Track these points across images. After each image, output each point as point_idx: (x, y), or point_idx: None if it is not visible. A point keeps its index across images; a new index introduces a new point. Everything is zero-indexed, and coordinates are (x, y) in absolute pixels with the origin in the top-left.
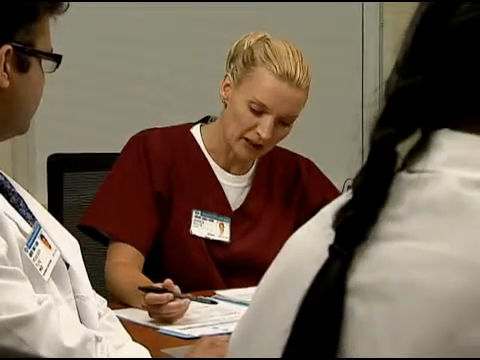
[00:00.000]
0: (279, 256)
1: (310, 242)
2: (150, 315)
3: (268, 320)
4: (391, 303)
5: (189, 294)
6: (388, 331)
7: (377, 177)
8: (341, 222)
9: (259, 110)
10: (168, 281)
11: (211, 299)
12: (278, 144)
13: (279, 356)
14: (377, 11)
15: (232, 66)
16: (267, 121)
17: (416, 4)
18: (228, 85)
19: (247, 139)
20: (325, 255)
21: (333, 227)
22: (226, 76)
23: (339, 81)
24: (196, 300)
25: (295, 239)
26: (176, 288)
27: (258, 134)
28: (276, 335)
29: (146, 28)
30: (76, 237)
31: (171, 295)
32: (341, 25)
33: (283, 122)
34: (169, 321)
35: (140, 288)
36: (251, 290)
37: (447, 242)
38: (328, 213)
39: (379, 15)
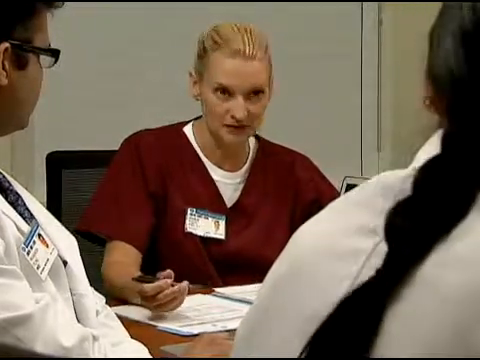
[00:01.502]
0: (286, 250)
1: (323, 236)
2: (150, 308)
3: (276, 314)
4: (402, 301)
5: (185, 281)
6: (399, 329)
7: (461, 186)
8: (401, 234)
9: (225, 93)
10: (166, 272)
11: (204, 288)
12: (278, 141)
13: (287, 349)
14: (376, 10)
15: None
16: (237, 101)
17: (415, 3)
18: (195, 82)
19: (228, 125)
20: (343, 254)
21: (387, 234)
22: (190, 74)
23: (338, 79)
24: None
25: (303, 233)
26: (172, 275)
27: (233, 117)
28: (284, 330)
29: (145, 27)
30: (74, 235)
31: (169, 281)
32: (340, 24)
33: (254, 93)
34: (169, 309)
35: (134, 279)
36: (250, 287)
37: (463, 240)
38: (340, 207)
39: (378, 13)
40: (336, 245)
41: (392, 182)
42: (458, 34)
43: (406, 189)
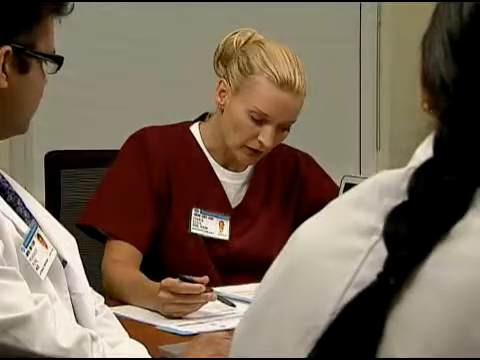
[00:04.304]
0: (285, 249)
1: (321, 235)
2: (164, 308)
3: (275, 312)
4: (404, 303)
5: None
6: (401, 331)
7: (462, 186)
8: (402, 239)
9: (260, 119)
10: (206, 277)
11: (231, 302)
12: None
13: (286, 347)
14: (375, 10)
15: (222, 68)
16: (269, 129)
17: (414, 3)
18: (224, 91)
19: (248, 147)
20: (341, 252)
21: (386, 240)
22: (220, 82)
23: (337, 79)
24: (218, 298)
25: (302, 232)
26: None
27: (260, 142)
28: (283, 328)
29: (145, 26)
30: (74, 234)
31: (204, 287)
32: (339, 24)
33: (282, 127)
34: (183, 315)
35: (179, 276)
36: (248, 287)
37: (464, 239)
38: (338, 207)
39: (377, 14)
40: (334, 244)
41: (389, 181)
42: (447, 42)
43: (403, 189)
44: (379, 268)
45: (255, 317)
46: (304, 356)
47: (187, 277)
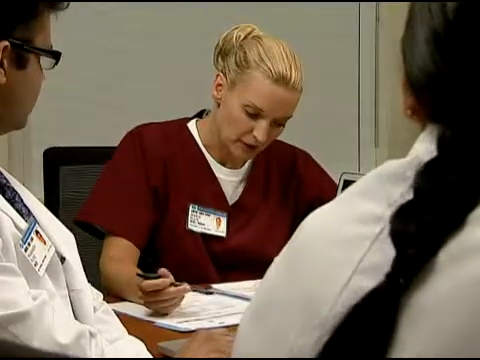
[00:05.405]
0: (292, 238)
1: (327, 225)
2: (147, 306)
3: (280, 299)
4: (414, 293)
5: (185, 283)
6: (409, 316)
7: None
8: (413, 234)
9: (255, 113)
10: (164, 270)
11: (206, 290)
12: None
13: (290, 332)
14: (373, 7)
15: (221, 63)
16: (263, 124)
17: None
18: (220, 85)
19: (243, 141)
20: (348, 240)
21: (394, 239)
22: (218, 76)
23: (335, 76)
24: (191, 290)
25: (309, 222)
26: (171, 277)
27: (254, 137)
28: (288, 313)
29: (144, 23)
30: (72, 231)
31: (168, 280)
32: (338, 21)
33: (278, 123)
34: (166, 311)
35: (138, 274)
36: (246, 284)
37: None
38: (344, 198)
39: (375, 11)
40: (341, 232)
41: (393, 170)
42: (431, 39)
43: (408, 177)
44: (385, 256)
45: (259, 307)
46: (307, 343)
47: (148, 274)
